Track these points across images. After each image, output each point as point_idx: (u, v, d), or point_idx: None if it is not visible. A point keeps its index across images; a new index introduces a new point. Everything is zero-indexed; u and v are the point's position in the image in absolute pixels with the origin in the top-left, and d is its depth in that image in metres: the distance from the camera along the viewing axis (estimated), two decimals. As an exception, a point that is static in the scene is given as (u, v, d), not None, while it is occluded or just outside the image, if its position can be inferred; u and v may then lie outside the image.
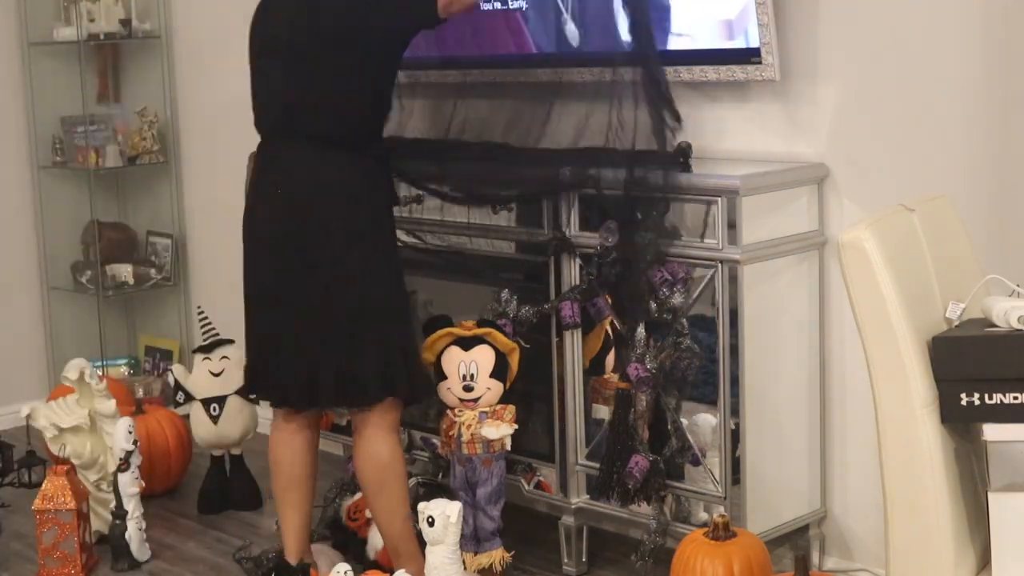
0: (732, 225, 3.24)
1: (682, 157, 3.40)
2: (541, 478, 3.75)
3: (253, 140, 3.58)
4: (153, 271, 5.38)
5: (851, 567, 3.57)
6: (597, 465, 3.55)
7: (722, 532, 3.08)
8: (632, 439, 3.42)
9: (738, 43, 3.47)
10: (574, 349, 3.61)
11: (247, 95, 3.52)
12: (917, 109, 3.31)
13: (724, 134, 3.64)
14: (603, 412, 3.64)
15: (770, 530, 3.41)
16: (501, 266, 3.78)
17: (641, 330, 3.39)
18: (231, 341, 4.31)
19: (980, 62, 3.19)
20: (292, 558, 3.56)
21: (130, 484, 3.86)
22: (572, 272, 3.58)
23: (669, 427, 3.42)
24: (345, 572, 3.27)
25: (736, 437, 3.31)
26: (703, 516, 3.46)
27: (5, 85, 5.25)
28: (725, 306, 3.28)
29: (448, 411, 3.65)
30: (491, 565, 3.60)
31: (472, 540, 3.60)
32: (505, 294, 3.68)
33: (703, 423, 3.48)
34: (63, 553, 3.78)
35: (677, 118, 3.46)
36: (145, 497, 3.99)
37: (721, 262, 3.26)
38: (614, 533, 3.88)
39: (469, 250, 3.85)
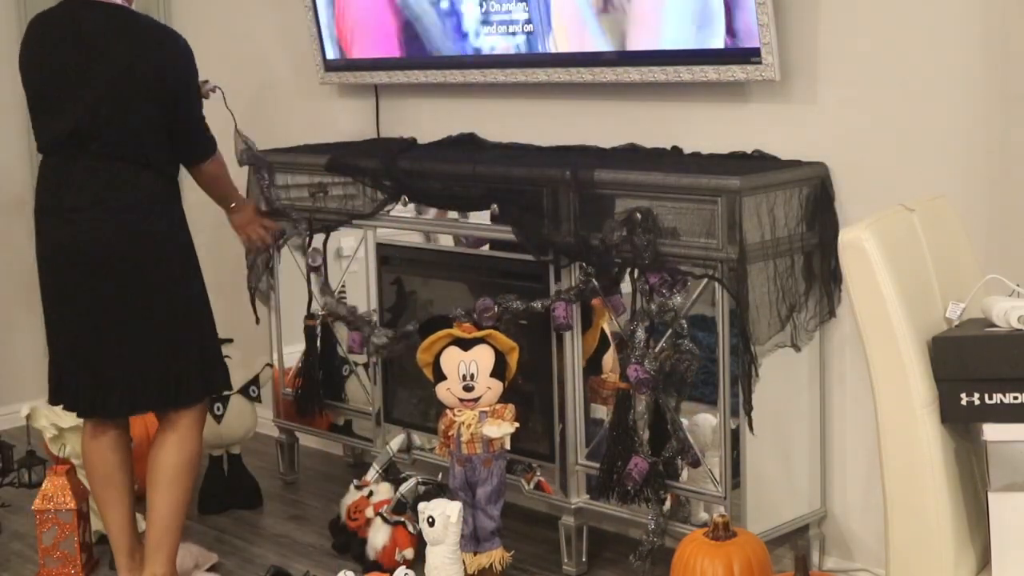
0: (732, 225, 3.23)
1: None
2: (541, 478, 3.76)
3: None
4: (153, 271, 5.37)
5: (851, 567, 3.56)
6: (597, 465, 3.55)
7: (722, 532, 3.08)
8: (632, 440, 3.42)
9: (738, 43, 3.47)
10: (573, 349, 3.61)
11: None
12: (917, 109, 3.31)
13: (724, 134, 3.64)
14: (601, 412, 3.64)
15: (770, 530, 3.41)
16: (501, 266, 3.77)
17: (641, 331, 3.39)
18: (230, 340, 4.30)
19: (980, 62, 3.19)
20: (122, 555, 3.61)
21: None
22: (572, 274, 3.57)
23: (669, 428, 3.41)
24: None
25: (736, 437, 3.31)
26: (703, 516, 3.46)
27: (5, 85, 5.25)
28: (725, 306, 3.28)
29: (447, 411, 3.65)
30: (491, 565, 3.60)
31: (472, 540, 3.60)
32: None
33: (703, 423, 3.48)
34: (63, 553, 3.78)
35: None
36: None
37: (721, 262, 3.26)
38: (614, 533, 3.88)
39: (468, 251, 3.85)
